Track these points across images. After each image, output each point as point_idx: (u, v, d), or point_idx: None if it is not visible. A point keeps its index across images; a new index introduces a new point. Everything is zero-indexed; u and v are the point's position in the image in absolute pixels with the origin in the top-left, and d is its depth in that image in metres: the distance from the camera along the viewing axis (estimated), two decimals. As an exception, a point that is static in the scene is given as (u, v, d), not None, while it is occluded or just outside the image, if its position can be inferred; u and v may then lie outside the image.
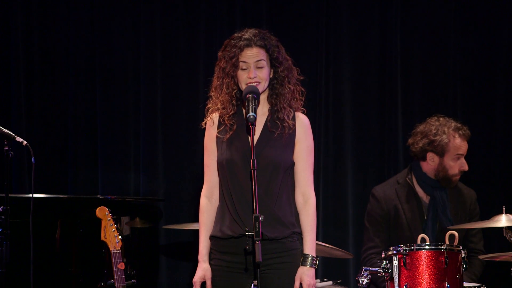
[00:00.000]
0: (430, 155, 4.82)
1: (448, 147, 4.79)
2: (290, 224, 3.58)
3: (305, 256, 3.57)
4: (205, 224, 3.64)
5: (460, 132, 4.81)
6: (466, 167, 4.84)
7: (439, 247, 4.10)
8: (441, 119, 4.87)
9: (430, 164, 4.83)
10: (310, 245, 3.58)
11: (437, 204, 4.81)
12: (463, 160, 4.83)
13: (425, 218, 4.82)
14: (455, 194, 4.91)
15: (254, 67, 3.58)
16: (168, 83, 5.83)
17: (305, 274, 3.54)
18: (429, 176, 4.84)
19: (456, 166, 4.81)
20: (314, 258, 3.57)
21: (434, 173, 4.83)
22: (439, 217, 4.80)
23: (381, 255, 4.19)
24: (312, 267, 3.55)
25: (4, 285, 3.95)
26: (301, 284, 3.54)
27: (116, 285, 4.20)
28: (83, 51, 5.86)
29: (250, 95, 3.51)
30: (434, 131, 4.81)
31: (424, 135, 4.83)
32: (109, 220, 4.26)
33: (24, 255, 4.20)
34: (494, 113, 5.71)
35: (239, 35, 3.63)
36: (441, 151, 4.79)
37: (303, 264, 3.56)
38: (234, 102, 3.65)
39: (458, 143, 4.80)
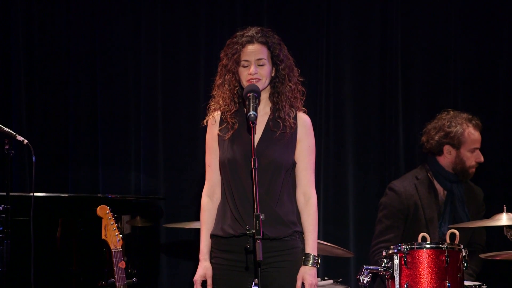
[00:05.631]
0: (446, 148, 4.84)
1: (464, 137, 4.82)
2: (291, 223, 3.58)
3: (307, 255, 3.57)
4: (206, 223, 3.64)
5: (473, 122, 4.86)
6: (481, 159, 4.88)
7: (440, 245, 4.10)
8: (451, 112, 4.92)
9: (447, 157, 4.86)
10: (312, 244, 3.58)
11: (455, 199, 4.84)
12: (478, 152, 4.86)
13: (442, 214, 4.83)
14: (467, 190, 4.94)
15: (255, 64, 3.59)
16: (168, 82, 5.83)
17: (307, 273, 3.54)
18: (447, 170, 4.86)
19: (473, 157, 4.85)
20: (316, 258, 3.57)
21: (451, 167, 4.86)
22: (457, 212, 4.82)
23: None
24: (314, 266, 3.56)
25: (5, 283, 3.96)
26: (303, 284, 3.54)
27: (116, 284, 4.20)
28: (84, 51, 5.86)
29: (251, 94, 3.51)
30: (448, 124, 4.84)
31: (438, 129, 4.86)
32: (110, 219, 4.26)
33: (25, 254, 4.20)
34: (495, 111, 5.71)
35: (242, 32, 3.65)
36: (457, 143, 4.82)
37: (305, 264, 3.56)
38: (235, 99, 3.65)
39: (472, 133, 4.83)
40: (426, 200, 4.84)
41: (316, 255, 3.58)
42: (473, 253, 4.79)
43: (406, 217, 4.83)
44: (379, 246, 4.77)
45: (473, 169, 4.88)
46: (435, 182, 4.90)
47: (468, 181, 4.98)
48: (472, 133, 4.84)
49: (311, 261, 3.56)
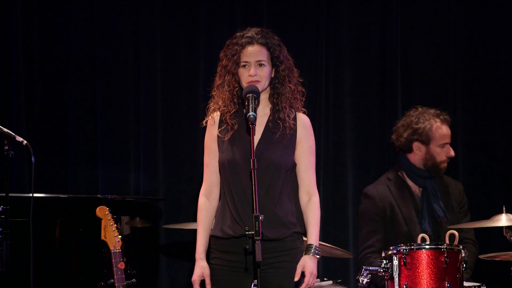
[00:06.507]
0: (416, 145, 4.86)
1: (432, 132, 4.83)
2: (291, 224, 3.58)
3: (309, 245, 3.57)
4: (203, 222, 3.65)
5: (441, 117, 4.87)
6: (452, 153, 4.88)
7: (439, 246, 4.11)
8: (419, 108, 4.94)
9: (417, 154, 4.87)
10: (314, 236, 3.58)
11: (429, 194, 4.84)
12: (448, 146, 4.87)
13: (420, 210, 4.83)
14: (443, 186, 4.94)
15: (255, 65, 3.59)
16: (168, 82, 5.83)
17: (308, 262, 3.53)
18: (418, 167, 4.88)
19: (443, 152, 4.86)
20: (317, 248, 3.57)
21: (422, 163, 4.88)
22: (432, 207, 4.82)
23: (377, 254, 4.18)
24: (315, 256, 3.55)
25: (4, 284, 3.95)
26: (302, 274, 3.53)
27: (116, 284, 4.20)
28: (83, 51, 5.85)
29: (250, 95, 3.51)
30: (416, 120, 4.86)
31: (406, 126, 4.88)
32: (109, 219, 4.26)
33: (24, 255, 4.20)
34: (494, 111, 5.71)
35: (241, 33, 3.64)
36: (426, 139, 4.83)
37: (307, 253, 3.56)
38: (235, 100, 3.65)
39: (440, 128, 4.83)
40: (400, 199, 4.85)
41: (318, 246, 3.58)
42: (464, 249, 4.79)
43: (384, 219, 4.83)
44: (365, 252, 4.78)
45: (445, 164, 4.89)
46: (408, 180, 4.91)
47: (444, 176, 4.98)
48: (440, 128, 4.85)
49: (312, 250, 3.56)
